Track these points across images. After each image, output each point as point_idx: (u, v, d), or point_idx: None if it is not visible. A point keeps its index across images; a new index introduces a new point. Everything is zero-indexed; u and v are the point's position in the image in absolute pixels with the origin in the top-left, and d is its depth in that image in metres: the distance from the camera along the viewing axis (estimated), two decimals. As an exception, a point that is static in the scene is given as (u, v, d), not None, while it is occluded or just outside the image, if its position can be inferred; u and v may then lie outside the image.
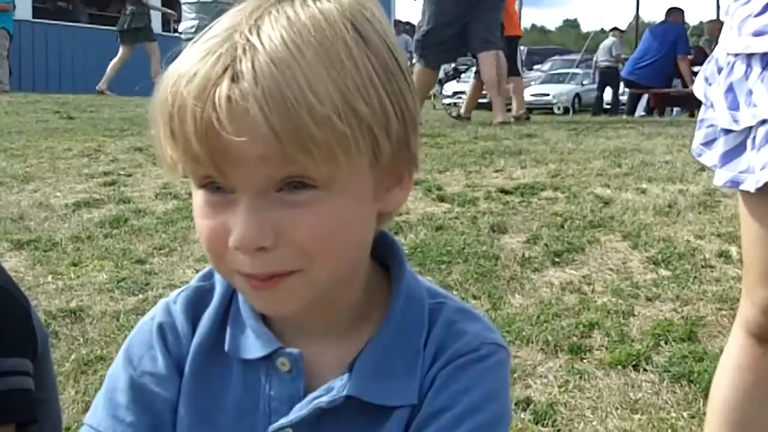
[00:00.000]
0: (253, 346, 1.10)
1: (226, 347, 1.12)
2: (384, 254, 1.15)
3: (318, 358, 1.10)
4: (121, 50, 15.04)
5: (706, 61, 2.03)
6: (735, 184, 1.89)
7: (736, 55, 1.87)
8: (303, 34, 0.94)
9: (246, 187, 0.96)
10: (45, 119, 9.77)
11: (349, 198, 0.98)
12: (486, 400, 1.07)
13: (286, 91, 0.91)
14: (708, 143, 2.01)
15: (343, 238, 1.00)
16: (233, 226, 0.97)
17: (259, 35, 0.94)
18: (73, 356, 3.30)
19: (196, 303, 1.15)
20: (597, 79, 20.23)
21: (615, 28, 20.86)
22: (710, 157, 1.99)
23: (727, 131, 1.89)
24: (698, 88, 2.03)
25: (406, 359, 1.09)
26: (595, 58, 20.19)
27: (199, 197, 1.01)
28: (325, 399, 1.06)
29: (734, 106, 1.86)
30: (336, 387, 1.07)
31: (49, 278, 4.21)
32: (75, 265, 4.39)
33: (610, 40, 20.12)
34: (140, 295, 3.95)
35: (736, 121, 1.85)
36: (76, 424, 2.75)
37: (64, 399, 2.89)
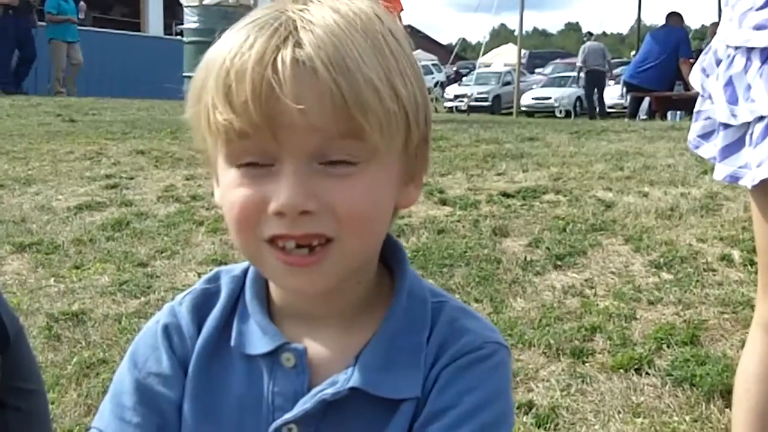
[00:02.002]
0: (259, 342, 1.11)
1: (232, 342, 1.13)
2: (388, 255, 1.16)
3: (322, 353, 1.11)
4: None
5: (704, 52, 2.03)
6: (734, 179, 1.89)
7: (737, 48, 1.86)
8: (349, 19, 1.00)
9: (293, 155, 0.99)
10: (47, 122, 9.78)
11: (383, 176, 1.03)
12: (489, 399, 1.08)
13: (347, 59, 0.97)
14: (705, 135, 2.00)
15: (376, 212, 1.04)
16: (273, 193, 1.00)
17: (311, 13, 1.00)
18: (75, 359, 3.29)
19: (202, 305, 1.16)
20: (585, 82, 20.17)
21: (590, 33, 20.98)
22: (708, 150, 1.99)
23: (726, 125, 1.89)
24: (695, 79, 2.03)
25: (410, 353, 1.10)
26: (581, 61, 20.10)
27: (231, 174, 1.03)
28: (329, 392, 1.07)
29: (733, 100, 1.86)
30: (340, 380, 1.08)
31: (51, 281, 4.21)
32: (77, 267, 4.40)
33: (597, 45, 20.22)
34: (142, 298, 3.95)
35: (734, 116, 1.85)
36: (78, 426, 2.75)
37: (66, 402, 2.90)
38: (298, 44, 0.97)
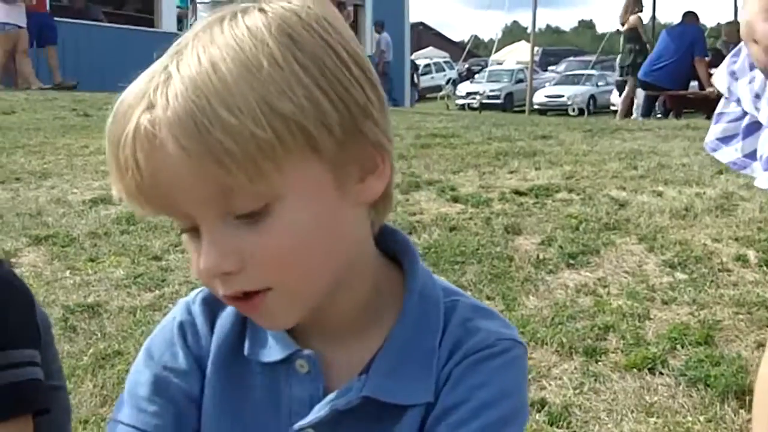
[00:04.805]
0: (272, 350, 1.11)
1: (246, 351, 1.13)
2: (396, 251, 1.14)
3: (336, 358, 1.10)
4: None
5: (731, 55, 1.99)
6: None
7: None
8: (221, 48, 0.94)
9: (200, 217, 0.96)
10: (62, 117, 9.80)
11: (305, 203, 0.97)
12: (501, 395, 1.06)
13: (196, 112, 0.90)
14: (726, 138, 1.98)
15: (310, 247, 0.99)
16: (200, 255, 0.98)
17: (178, 62, 0.94)
18: (91, 350, 3.32)
19: (213, 302, 1.15)
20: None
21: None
22: (727, 153, 1.97)
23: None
24: (720, 81, 1.99)
25: (422, 358, 1.08)
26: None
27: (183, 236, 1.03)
28: (341, 401, 1.06)
29: None
30: (353, 388, 1.07)
31: (67, 273, 4.23)
32: (92, 260, 4.42)
33: None
34: (156, 291, 3.97)
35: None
36: (94, 417, 2.77)
37: (82, 392, 2.92)
38: (149, 108, 0.92)
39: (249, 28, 0.95)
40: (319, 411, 1.07)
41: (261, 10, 0.98)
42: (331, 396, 1.07)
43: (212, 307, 1.15)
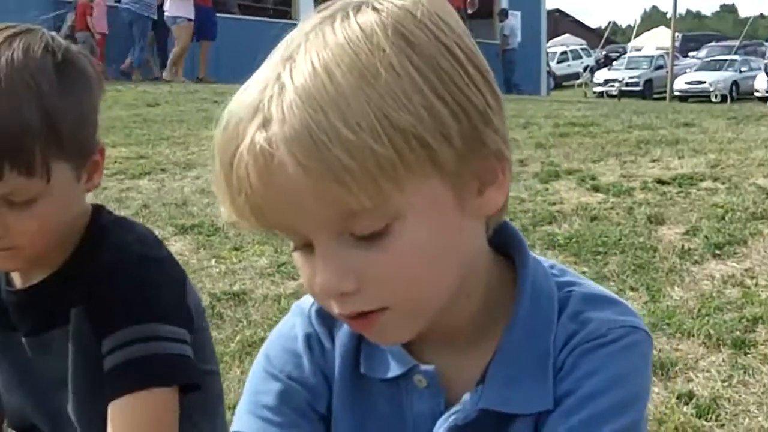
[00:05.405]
0: (389, 365, 1.07)
1: (362, 369, 1.09)
2: (506, 244, 1.09)
3: (455, 368, 1.07)
4: None
5: None
6: None
7: None
8: (336, 54, 0.88)
9: (314, 236, 0.91)
10: (204, 108, 10.06)
11: (426, 222, 0.91)
12: (612, 383, 1.00)
13: (313, 127, 0.84)
14: None
15: (429, 265, 0.94)
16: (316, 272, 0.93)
17: (291, 69, 0.88)
18: (237, 337, 3.41)
19: (328, 316, 1.09)
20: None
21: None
22: None
23: None
24: None
25: (537, 362, 1.03)
26: None
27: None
28: (460, 416, 1.03)
29: None
30: (470, 401, 1.03)
31: (213, 262, 4.36)
32: (237, 249, 4.54)
33: None
34: (299, 280, 4.04)
35: None
36: (241, 403, 2.84)
37: (230, 378, 3.00)
38: (264, 124, 0.86)
39: (363, 30, 0.89)
40: (438, 429, 1.05)
41: (374, 8, 0.91)
42: (449, 412, 1.05)
43: (328, 320, 1.11)
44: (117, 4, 16.40)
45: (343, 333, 1.10)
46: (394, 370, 1.07)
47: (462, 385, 1.06)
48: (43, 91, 1.29)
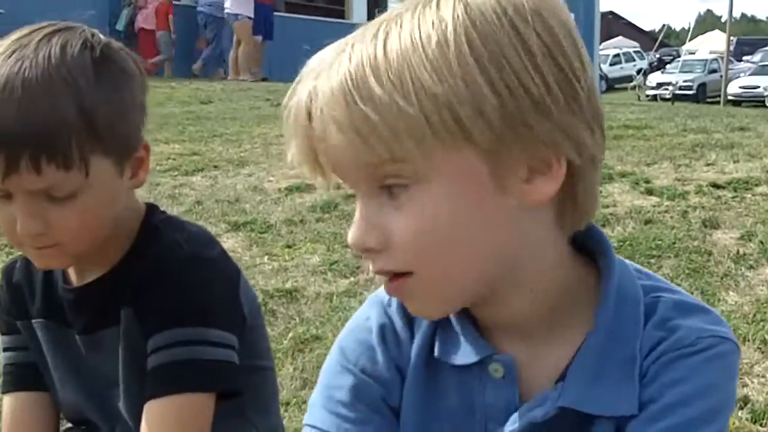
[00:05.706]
0: (465, 352, 1.06)
1: (436, 353, 1.08)
2: (590, 247, 1.07)
3: (531, 362, 1.05)
4: None
5: None
6: None
7: None
8: (404, 28, 0.93)
9: (356, 188, 0.98)
10: (257, 106, 10.14)
11: (451, 190, 0.93)
12: (698, 393, 0.98)
13: (348, 83, 0.91)
14: None
15: (451, 236, 0.94)
16: None
17: (360, 39, 0.94)
18: (290, 335, 3.43)
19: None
20: None
21: None
22: None
23: None
24: None
25: (622, 366, 1.01)
26: None
27: None
28: (538, 413, 1.02)
29: None
30: (549, 398, 1.02)
31: (265, 259, 4.39)
32: (289, 247, 4.56)
33: None
34: (351, 278, 4.06)
35: None
36: (295, 399, 2.86)
37: (282, 375, 3.02)
38: (316, 77, 0.95)
39: (438, 6, 0.93)
40: (514, 423, 1.03)
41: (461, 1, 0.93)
42: (527, 405, 1.03)
43: (407, 312, 1.10)
44: (184, 4, 16.64)
45: (423, 320, 1.10)
46: (470, 356, 1.06)
47: (537, 380, 1.05)
48: (80, 85, 1.30)
